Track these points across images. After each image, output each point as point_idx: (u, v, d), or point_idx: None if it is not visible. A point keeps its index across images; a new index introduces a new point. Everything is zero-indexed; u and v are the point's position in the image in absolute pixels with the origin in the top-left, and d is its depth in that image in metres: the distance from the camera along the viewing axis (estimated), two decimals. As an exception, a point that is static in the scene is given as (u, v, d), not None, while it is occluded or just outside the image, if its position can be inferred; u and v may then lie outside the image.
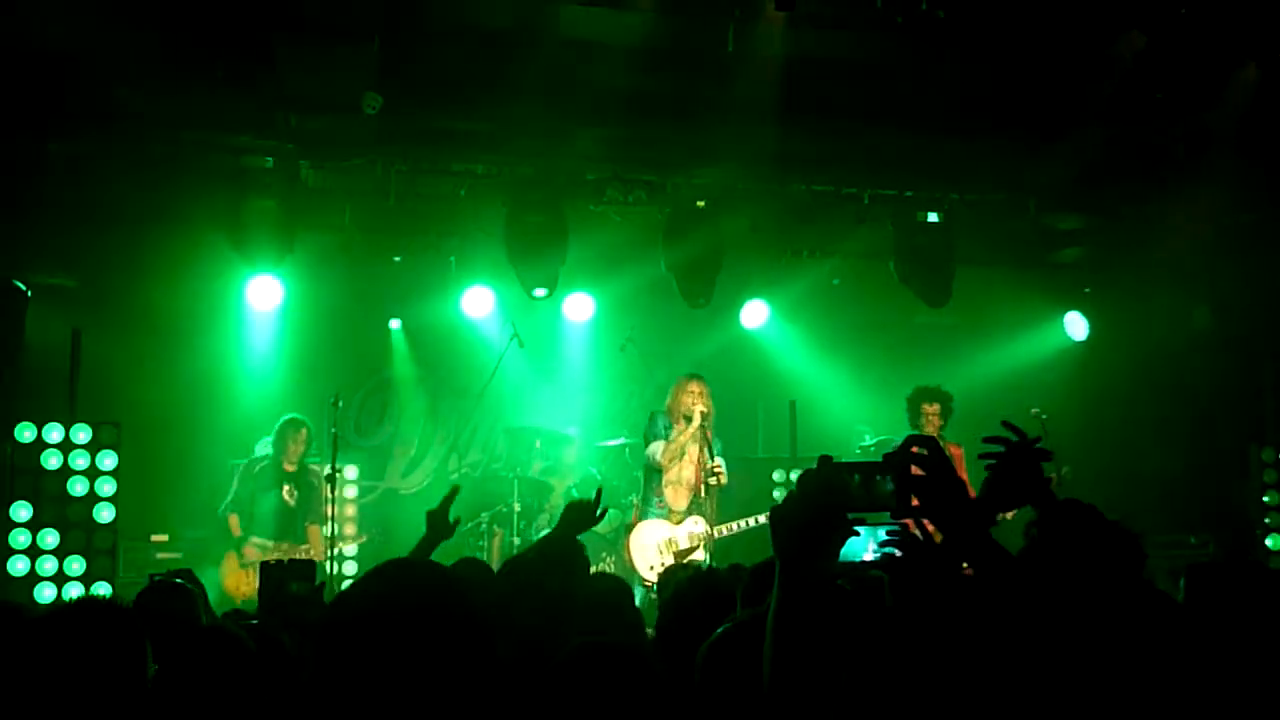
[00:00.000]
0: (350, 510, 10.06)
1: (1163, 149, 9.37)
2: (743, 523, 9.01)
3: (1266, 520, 9.81)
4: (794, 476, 9.86)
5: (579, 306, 10.62)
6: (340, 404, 8.92)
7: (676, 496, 8.94)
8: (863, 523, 2.22)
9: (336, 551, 9.07)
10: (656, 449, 8.94)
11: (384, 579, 1.92)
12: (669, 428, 8.99)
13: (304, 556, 9.07)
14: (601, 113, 8.89)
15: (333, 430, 8.69)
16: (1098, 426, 10.30)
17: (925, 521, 2.26)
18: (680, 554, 8.65)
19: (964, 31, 8.35)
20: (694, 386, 8.97)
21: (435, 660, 1.82)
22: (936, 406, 9.68)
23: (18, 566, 8.22)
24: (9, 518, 8.24)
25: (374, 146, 9.21)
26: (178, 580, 4.98)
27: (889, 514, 2.24)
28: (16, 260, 8.83)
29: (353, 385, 10.51)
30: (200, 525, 9.42)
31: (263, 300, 9.71)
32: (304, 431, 9.36)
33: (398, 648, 1.81)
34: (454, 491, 5.45)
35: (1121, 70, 8.18)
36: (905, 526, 2.26)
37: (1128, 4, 7.70)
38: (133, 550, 8.88)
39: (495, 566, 9.29)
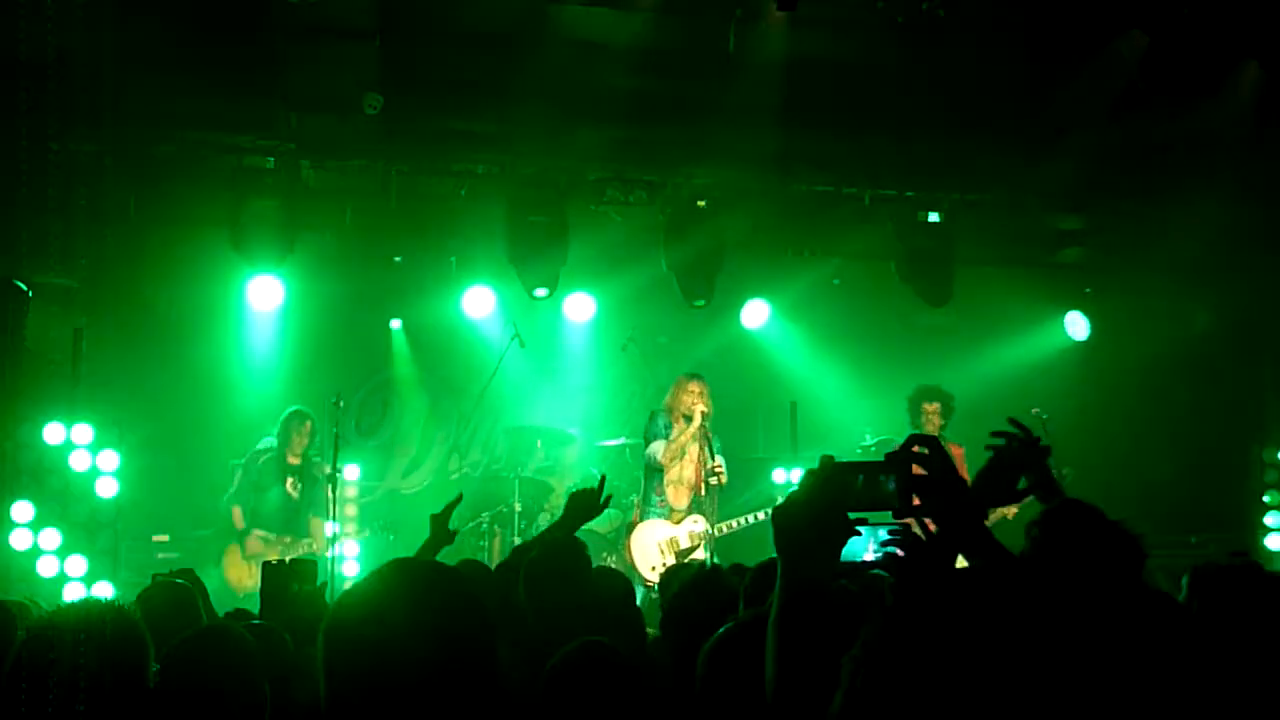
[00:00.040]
0: (351, 510, 10.05)
1: (1164, 149, 9.37)
2: (743, 520, 9.02)
3: (1268, 521, 9.81)
4: (795, 477, 9.86)
5: (580, 306, 10.62)
6: (341, 404, 8.92)
7: (677, 495, 8.96)
8: (864, 523, 2.22)
9: (337, 552, 9.06)
10: (657, 449, 8.94)
11: (388, 579, 1.92)
12: (669, 427, 9.00)
13: (307, 550, 9.08)
14: (602, 113, 8.90)
15: (334, 430, 8.69)
16: (1098, 426, 10.30)
17: (927, 521, 2.26)
18: (681, 553, 8.66)
19: (965, 31, 8.35)
20: (694, 386, 8.98)
21: (440, 660, 1.82)
22: (937, 405, 9.69)
23: (19, 566, 8.21)
24: (10, 518, 8.24)
25: (375, 147, 9.21)
26: (179, 580, 4.98)
27: (891, 514, 2.24)
28: (17, 260, 8.83)
29: (353, 385, 10.51)
30: (201, 525, 9.42)
31: (263, 300, 9.71)
32: (308, 424, 9.36)
33: (402, 648, 1.80)
34: (457, 499, 5.47)
35: (1123, 70, 8.17)
36: (907, 526, 2.26)
37: (1129, 4, 7.70)
38: (134, 550, 8.89)
39: (495, 567, 9.32)
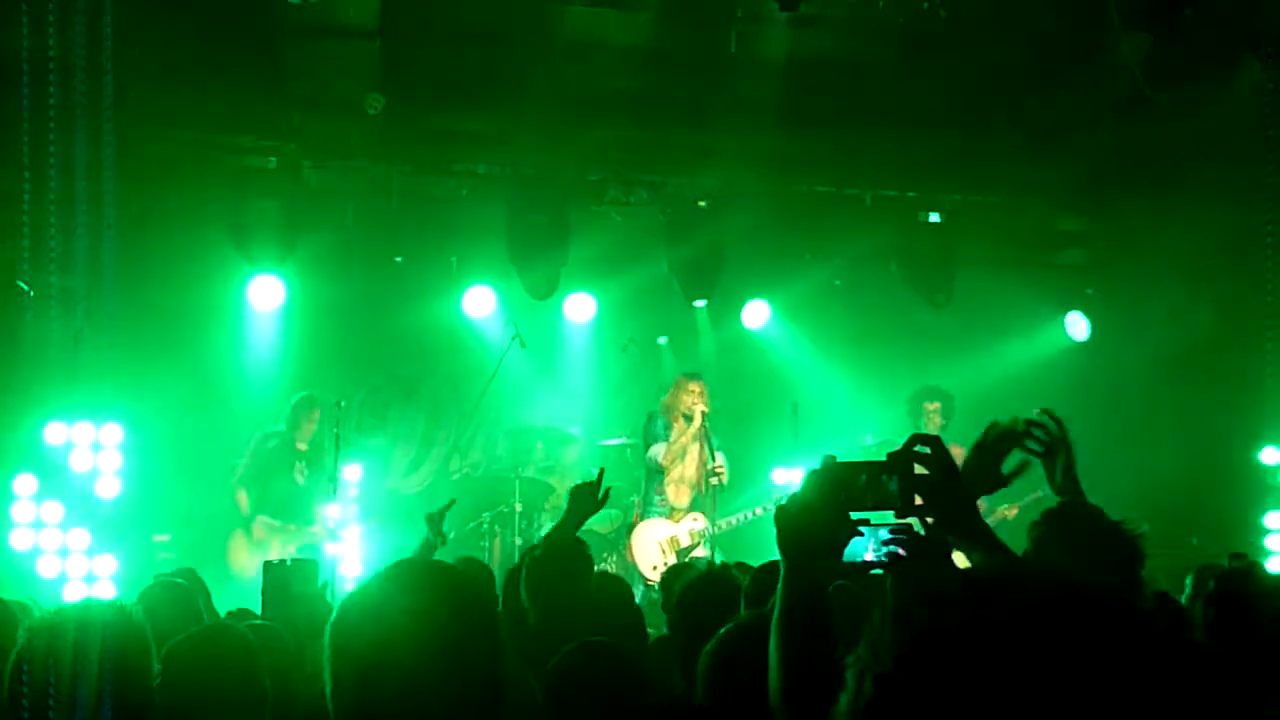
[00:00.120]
0: (352, 510, 10.04)
1: (1165, 149, 9.37)
2: (742, 516, 9.03)
3: (1268, 522, 9.79)
4: (796, 478, 9.86)
5: (580, 307, 10.62)
6: (342, 404, 8.92)
7: (678, 494, 8.97)
8: (865, 523, 2.22)
9: (341, 543, 9.06)
10: (658, 451, 8.96)
11: (393, 580, 1.92)
12: (667, 428, 9.02)
13: (312, 539, 9.07)
14: (604, 113, 8.91)
15: (335, 430, 8.69)
16: (1099, 427, 10.27)
17: (929, 521, 2.26)
18: (682, 552, 8.67)
19: (966, 32, 8.35)
20: (694, 386, 9.00)
21: (446, 661, 1.82)
22: (937, 405, 9.70)
23: (20, 566, 8.21)
24: (10, 518, 8.24)
25: (376, 147, 9.22)
26: (179, 579, 4.98)
27: (893, 513, 2.23)
28: (18, 260, 8.83)
29: (354, 385, 10.51)
30: (202, 525, 9.41)
31: (264, 300, 9.70)
32: (317, 411, 9.33)
33: (408, 649, 1.80)
34: (450, 503, 5.50)
35: (1124, 70, 8.17)
36: (908, 526, 2.26)
37: (1130, 4, 7.70)
38: (135, 550, 8.88)
39: (496, 566, 9.34)
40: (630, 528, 9.06)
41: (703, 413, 8.87)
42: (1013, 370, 10.68)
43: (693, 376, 9.14)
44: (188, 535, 9.32)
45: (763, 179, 9.91)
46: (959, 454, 2.41)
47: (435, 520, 5.62)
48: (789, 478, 10.05)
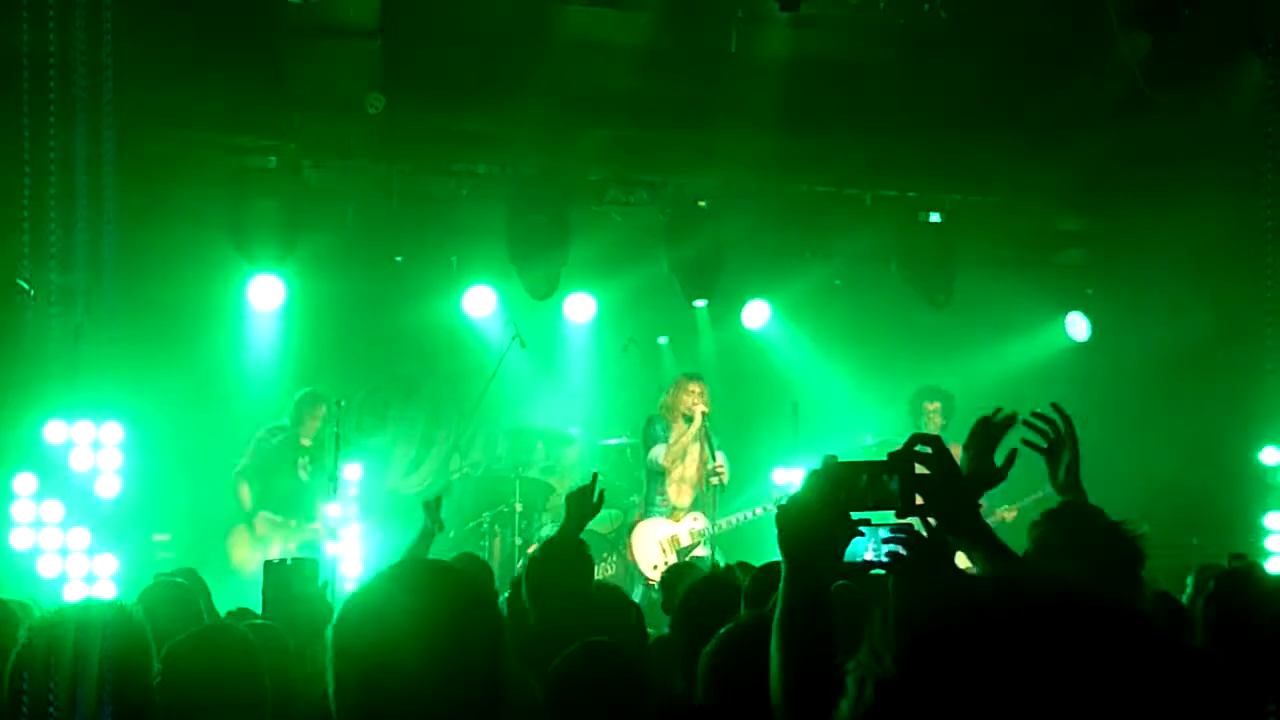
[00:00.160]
0: (352, 509, 10.04)
1: (1165, 149, 9.37)
2: (742, 515, 9.05)
3: (1268, 522, 9.79)
4: (797, 478, 9.86)
5: (580, 307, 10.62)
6: (342, 403, 8.92)
7: (679, 494, 8.99)
8: (866, 523, 2.21)
9: (337, 553, 9.06)
10: (659, 453, 8.99)
11: (397, 580, 1.91)
12: (667, 430, 9.04)
13: (313, 535, 9.07)
14: (604, 113, 8.91)
15: (335, 430, 8.69)
16: (1099, 427, 10.26)
17: (930, 521, 2.26)
18: (683, 551, 8.68)
19: (966, 32, 8.35)
20: (694, 386, 9.01)
21: (449, 663, 1.81)
22: (937, 405, 9.71)
23: (20, 566, 8.21)
24: (11, 517, 8.24)
25: (376, 147, 9.22)
26: (180, 579, 4.98)
27: (894, 514, 2.23)
28: (18, 259, 8.83)
29: (354, 385, 10.50)
30: (202, 524, 9.41)
31: (264, 300, 9.70)
32: (323, 407, 9.32)
33: (411, 650, 1.80)
34: (447, 488, 5.52)
35: (1124, 70, 8.17)
36: (909, 526, 2.26)
37: (1130, 4, 7.70)
38: (135, 549, 8.88)
39: (496, 566, 9.34)
40: (631, 527, 9.07)
41: (703, 413, 8.88)
42: (1013, 370, 10.68)
43: (692, 377, 9.15)
44: (188, 534, 9.32)
45: (763, 179, 9.91)
46: (959, 454, 2.41)
47: (433, 508, 5.63)
48: (790, 478, 10.05)
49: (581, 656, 3.06)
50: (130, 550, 8.76)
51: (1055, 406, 3.44)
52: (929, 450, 2.25)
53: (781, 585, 2.11)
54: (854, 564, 2.22)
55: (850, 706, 1.16)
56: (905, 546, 2.23)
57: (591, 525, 5.79)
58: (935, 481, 2.23)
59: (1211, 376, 9.99)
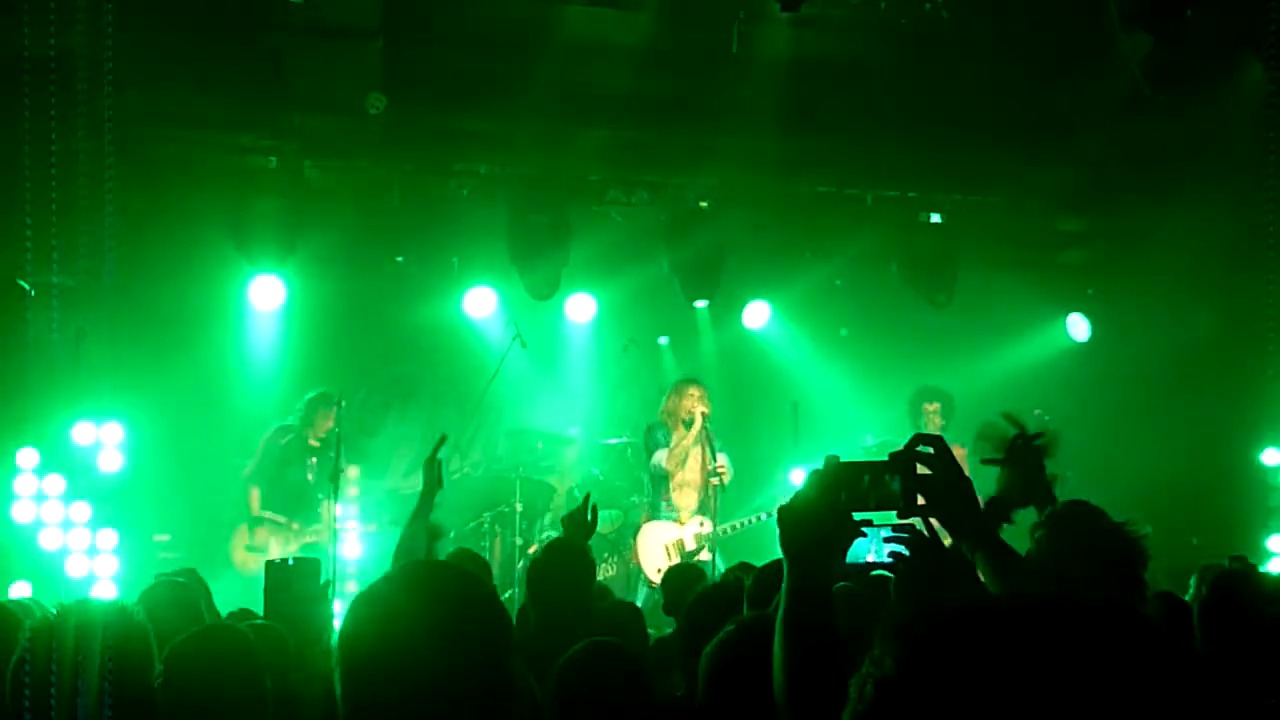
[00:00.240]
0: (353, 509, 10.05)
1: (1166, 150, 9.37)
2: (745, 520, 9.07)
3: (1270, 522, 9.80)
4: (797, 478, 9.87)
5: (581, 307, 10.62)
6: (343, 404, 8.92)
7: (684, 498, 9.02)
8: (868, 523, 2.21)
9: (339, 553, 9.06)
10: (661, 457, 9.03)
11: (405, 582, 1.91)
12: (668, 435, 9.08)
13: (315, 538, 9.06)
14: (605, 113, 8.90)
15: (336, 430, 8.69)
16: (1100, 428, 10.29)
17: (932, 521, 2.26)
18: (687, 555, 8.70)
19: (967, 32, 8.35)
20: (693, 390, 9.05)
21: (457, 664, 1.81)
22: (937, 405, 9.71)
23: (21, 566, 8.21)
24: (11, 519, 8.24)
25: (377, 147, 9.21)
26: (180, 580, 4.98)
27: (895, 514, 2.23)
28: (20, 259, 8.83)
29: (355, 385, 10.51)
30: (202, 524, 9.42)
31: (265, 300, 9.70)
32: (333, 408, 9.28)
33: (419, 651, 1.80)
34: (442, 439, 5.55)
35: (1124, 70, 8.18)
36: (911, 526, 2.26)
37: (1131, 4, 7.70)
38: (135, 549, 8.88)
39: (496, 566, 9.35)
40: (636, 530, 9.11)
41: (703, 414, 8.90)
42: (1013, 370, 10.68)
43: (690, 381, 9.19)
44: (189, 534, 9.32)
45: (763, 179, 9.91)
46: (960, 454, 2.41)
47: (431, 463, 5.66)
48: (790, 479, 10.06)
49: (586, 656, 3.07)
50: (131, 550, 8.76)
51: (1007, 416, 3.44)
52: (931, 450, 2.24)
53: (783, 586, 2.11)
54: (856, 565, 2.22)
55: (852, 707, 1.16)
56: (907, 547, 2.22)
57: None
58: (937, 482, 2.23)
59: (1212, 377, 10.00)
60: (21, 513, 8.28)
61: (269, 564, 4.68)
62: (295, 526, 9.13)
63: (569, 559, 4.46)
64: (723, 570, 6.82)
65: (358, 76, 8.45)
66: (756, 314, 10.85)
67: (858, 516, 2.18)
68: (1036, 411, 8.97)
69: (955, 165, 9.88)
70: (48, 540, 8.28)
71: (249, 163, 9.15)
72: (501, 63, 8.56)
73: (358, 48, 8.39)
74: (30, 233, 8.80)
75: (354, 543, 9.66)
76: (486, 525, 9.71)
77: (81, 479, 8.47)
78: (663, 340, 10.98)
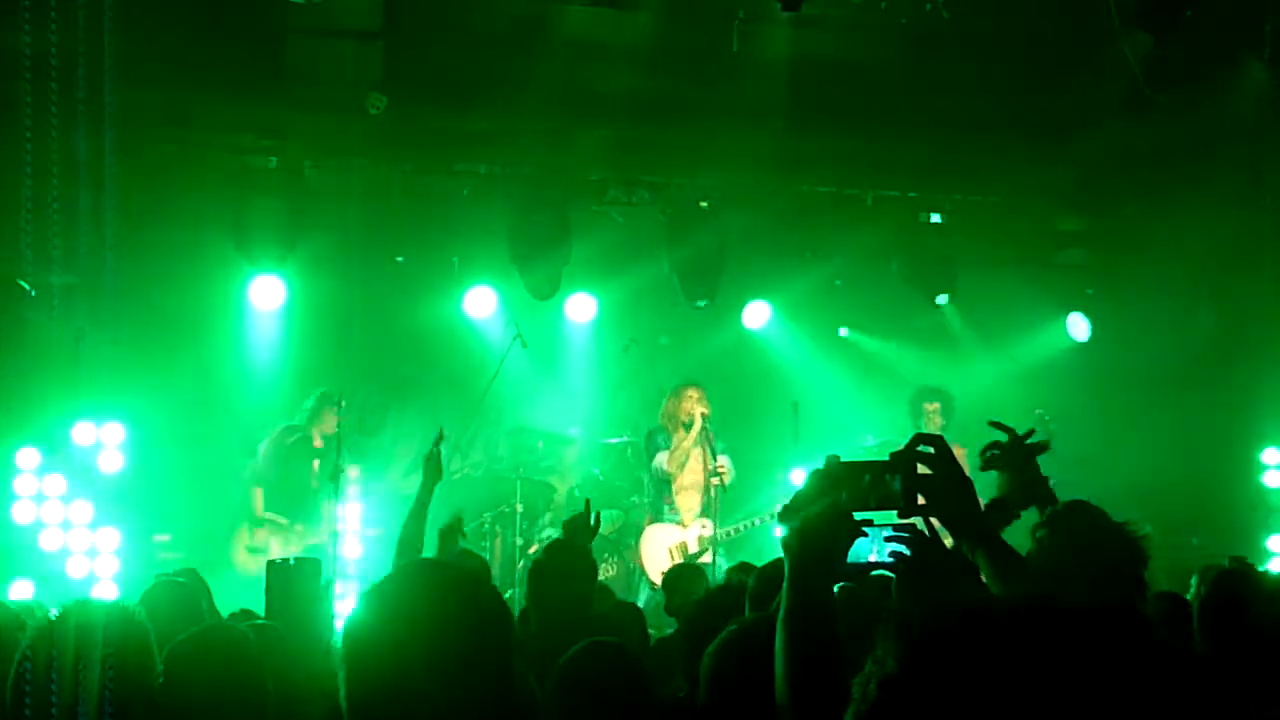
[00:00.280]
0: (354, 509, 10.04)
1: (1166, 150, 9.37)
2: (746, 523, 9.08)
3: (1270, 522, 9.80)
4: (797, 478, 9.88)
5: (581, 307, 10.62)
6: (343, 404, 8.92)
7: (686, 500, 9.05)
8: (869, 523, 2.21)
9: (339, 551, 9.06)
10: (662, 459, 9.06)
11: (410, 582, 1.91)
12: (668, 439, 9.11)
13: (316, 539, 9.06)
14: (605, 113, 8.91)
15: (337, 430, 8.69)
16: (1100, 428, 10.30)
17: (932, 521, 2.26)
18: (690, 558, 8.73)
19: (967, 32, 8.36)
20: (691, 392, 9.09)
21: (461, 665, 1.82)
22: (937, 405, 9.72)
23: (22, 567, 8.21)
24: (12, 519, 8.24)
25: (377, 147, 9.21)
26: (181, 579, 4.99)
27: (895, 514, 2.23)
28: (19, 259, 8.83)
29: (355, 385, 10.50)
30: (203, 524, 9.41)
31: (265, 300, 9.69)
32: (338, 408, 9.27)
33: (424, 652, 1.80)
34: (441, 434, 5.58)
35: (1125, 71, 8.17)
36: (912, 525, 2.25)
37: (1131, 4, 7.70)
38: (136, 550, 8.88)
39: (497, 566, 9.36)
40: (641, 532, 9.15)
41: (702, 415, 8.92)
42: (1014, 371, 10.69)
43: (689, 383, 9.21)
44: (189, 535, 9.32)
45: (764, 179, 9.91)
46: (960, 455, 2.41)
47: (430, 458, 5.69)
48: (790, 479, 10.07)
49: (587, 656, 3.07)
50: (131, 550, 8.76)
51: (995, 424, 3.45)
52: (931, 450, 2.25)
53: (784, 586, 2.11)
54: (857, 565, 2.22)
55: (855, 707, 1.17)
56: (908, 546, 2.22)
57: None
58: (938, 481, 2.23)
59: (1212, 377, 10.00)
60: (22, 513, 8.28)
61: (270, 564, 4.69)
62: (299, 529, 9.13)
63: (570, 559, 4.47)
64: (724, 571, 6.83)
65: (358, 76, 8.46)
66: (756, 314, 10.85)
67: (858, 516, 2.18)
68: (1037, 411, 8.99)
69: (955, 165, 9.88)
70: (48, 541, 8.28)
71: (249, 163, 9.15)
72: (501, 63, 8.56)
73: (358, 48, 8.40)
74: (30, 233, 8.80)
75: (354, 543, 9.66)
76: (487, 525, 9.71)
77: (82, 479, 8.47)
78: (663, 341, 10.97)
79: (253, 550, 9.05)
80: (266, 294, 9.63)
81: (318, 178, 9.54)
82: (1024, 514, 3.42)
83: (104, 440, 8.57)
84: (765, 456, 10.42)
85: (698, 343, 10.73)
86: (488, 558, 9.38)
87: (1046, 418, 8.76)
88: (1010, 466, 3.28)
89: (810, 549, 2.10)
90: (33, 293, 8.80)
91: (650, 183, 9.89)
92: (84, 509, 8.43)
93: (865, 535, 2.18)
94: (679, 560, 8.68)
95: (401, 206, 9.57)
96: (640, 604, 7.48)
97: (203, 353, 9.86)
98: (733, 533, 9.03)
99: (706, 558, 8.64)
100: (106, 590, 7.93)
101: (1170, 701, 1.12)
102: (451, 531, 5.56)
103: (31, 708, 2.94)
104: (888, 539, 2.23)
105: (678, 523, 8.98)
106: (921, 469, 2.22)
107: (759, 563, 4.39)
